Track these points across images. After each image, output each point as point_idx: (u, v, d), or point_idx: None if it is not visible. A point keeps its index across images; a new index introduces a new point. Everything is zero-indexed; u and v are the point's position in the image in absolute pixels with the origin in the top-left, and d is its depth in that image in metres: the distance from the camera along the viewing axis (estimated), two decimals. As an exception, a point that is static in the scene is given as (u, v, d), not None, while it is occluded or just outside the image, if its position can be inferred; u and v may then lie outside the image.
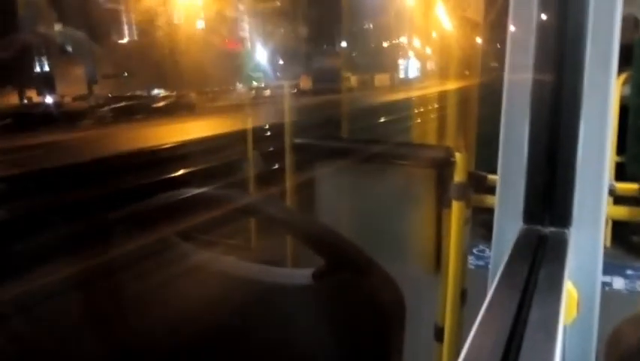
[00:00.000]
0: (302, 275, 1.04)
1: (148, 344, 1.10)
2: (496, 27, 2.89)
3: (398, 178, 2.20)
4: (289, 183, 2.65)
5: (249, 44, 25.93)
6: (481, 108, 2.81)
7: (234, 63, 24.25)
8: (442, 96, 3.69)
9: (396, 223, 2.19)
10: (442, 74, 3.32)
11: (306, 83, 21.18)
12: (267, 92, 21.25)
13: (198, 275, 1.12)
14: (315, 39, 23.70)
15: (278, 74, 24.38)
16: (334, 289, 1.02)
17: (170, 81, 19.45)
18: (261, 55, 25.94)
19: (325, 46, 23.88)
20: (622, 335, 0.86)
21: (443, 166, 1.78)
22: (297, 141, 2.65)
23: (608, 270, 2.75)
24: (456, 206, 1.65)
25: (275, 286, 1.08)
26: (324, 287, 1.02)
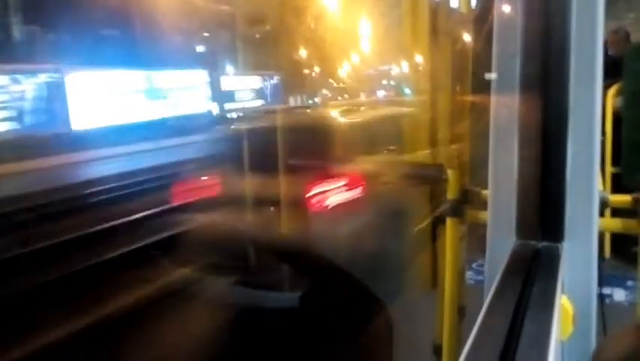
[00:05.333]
0: (290, 298, 1.04)
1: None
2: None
3: (391, 196, 2.19)
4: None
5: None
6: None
7: None
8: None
9: (391, 241, 2.18)
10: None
11: None
12: None
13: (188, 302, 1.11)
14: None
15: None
16: (322, 312, 1.01)
17: None
18: None
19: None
20: (606, 350, 0.85)
21: (436, 183, 1.77)
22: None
23: (608, 282, 2.72)
24: (450, 222, 1.64)
25: (263, 310, 1.07)
26: (312, 310, 1.01)
